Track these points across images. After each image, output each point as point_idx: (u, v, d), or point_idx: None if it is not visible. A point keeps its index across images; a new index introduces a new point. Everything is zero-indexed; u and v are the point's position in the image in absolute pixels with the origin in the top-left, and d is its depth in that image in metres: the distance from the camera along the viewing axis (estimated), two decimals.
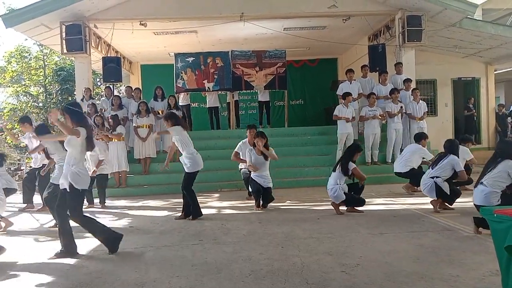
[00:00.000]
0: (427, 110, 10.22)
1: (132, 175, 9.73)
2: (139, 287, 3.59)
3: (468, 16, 10.81)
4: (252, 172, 6.97)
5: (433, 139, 10.07)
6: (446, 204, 6.27)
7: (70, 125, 4.48)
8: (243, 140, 7.87)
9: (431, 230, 5.18)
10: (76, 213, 4.49)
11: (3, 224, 6.07)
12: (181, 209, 6.46)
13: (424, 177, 6.40)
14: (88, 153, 6.99)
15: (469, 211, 5.84)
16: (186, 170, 6.25)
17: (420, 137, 8.05)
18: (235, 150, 7.84)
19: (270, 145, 7.08)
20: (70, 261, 4.39)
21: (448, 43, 12.23)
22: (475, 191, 5.21)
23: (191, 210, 6.30)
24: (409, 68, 10.89)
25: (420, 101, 10.01)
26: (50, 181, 5.88)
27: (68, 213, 4.51)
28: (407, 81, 10.32)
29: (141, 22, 10.56)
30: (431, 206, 6.27)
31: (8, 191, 6.44)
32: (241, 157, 7.67)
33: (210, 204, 7.67)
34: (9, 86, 19.24)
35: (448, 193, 6.13)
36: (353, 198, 6.37)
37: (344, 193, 6.28)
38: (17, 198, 8.22)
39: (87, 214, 4.84)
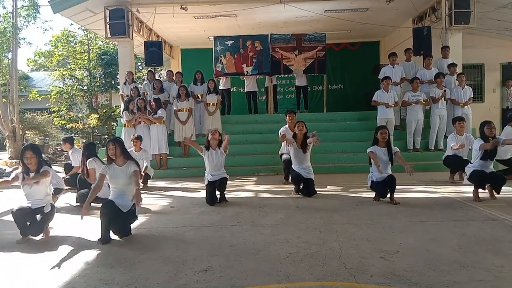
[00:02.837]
0: (472, 96, 9.82)
1: (172, 157, 9.96)
2: (180, 264, 3.71)
3: None
4: (293, 164, 6.91)
5: (478, 126, 9.64)
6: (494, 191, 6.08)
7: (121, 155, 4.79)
8: (285, 126, 7.85)
9: (475, 219, 5.03)
10: None
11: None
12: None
13: None
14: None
15: None
16: None
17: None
18: (281, 133, 7.65)
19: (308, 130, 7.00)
20: (116, 238, 4.58)
21: (498, 26, 11.64)
22: None
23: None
24: (456, 52, 10.47)
25: (466, 86, 9.62)
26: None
27: None
28: (452, 65, 9.93)
29: (182, 6, 10.66)
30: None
31: (57, 191, 6.45)
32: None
33: (247, 188, 7.75)
34: (55, 70, 19.99)
35: None
36: None
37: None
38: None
39: None
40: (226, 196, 6.51)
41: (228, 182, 6.66)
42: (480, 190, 6.09)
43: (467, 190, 6.40)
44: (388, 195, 6.04)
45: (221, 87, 11.72)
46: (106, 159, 4.94)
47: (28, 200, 4.80)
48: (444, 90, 9.43)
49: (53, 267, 3.82)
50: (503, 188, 6.04)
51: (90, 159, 6.51)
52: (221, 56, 11.74)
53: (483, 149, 6.06)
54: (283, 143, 7.94)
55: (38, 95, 19.29)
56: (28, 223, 4.63)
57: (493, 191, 6.10)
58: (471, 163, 6.37)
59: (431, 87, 9.68)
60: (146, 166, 8.02)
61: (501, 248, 3.93)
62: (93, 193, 4.76)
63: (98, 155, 6.85)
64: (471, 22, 10.20)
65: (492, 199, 6.07)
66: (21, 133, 15.35)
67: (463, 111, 9.43)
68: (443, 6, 10.49)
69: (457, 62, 10.20)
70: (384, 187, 6.05)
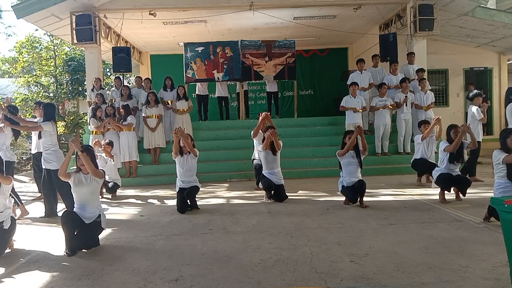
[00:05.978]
0: (434, 100, 10.08)
1: (142, 164, 9.79)
2: (150, 274, 3.64)
3: (481, 5, 10.64)
4: (263, 169, 6.94)
5: (444, 129, 9.93)
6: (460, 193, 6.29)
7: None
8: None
9: (441, 220, 5.16)
10: None
11: (18, 212, 6.15)
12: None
13: None
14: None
15: (479, 203, 5.83)
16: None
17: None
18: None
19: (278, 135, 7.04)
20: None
21: (460, 33, 12.05)
22: None
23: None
24: (421, 57, 10.77)
25: (428, 91, 9.88)
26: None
27: None
28: (420, 71, 10.21)
29: (151, 12, 10.55)
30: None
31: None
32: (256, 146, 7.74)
33: (219, 194, 7.71)
34: (20, 77, 19.38)
35: None
36: None
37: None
38: (30, 187, 8.32)
39: None
40: (198, 203, 6.44)
41: (200, 189, 6.61)
42: (446, 192, 6.27)
43: (434, 192, 6.57)
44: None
45: (199, 93, 11.70)
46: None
47: None
48: (406, 96, 9.66)
49: (18, 280, 3.68)
50: (468, 190, 6.24)
51: (47, 121, 6.39)
52: (191, 63, 11.67)
53: (449, 151, 6.22)
54: (255, 149, 7.95)
55: (2, 103, 18.60)
56: None
57: (459, 193, 6.29)
58: (438, 166, 6.54)
59: (397, 92, 9.92)
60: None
61: (466, 249, 4.05)
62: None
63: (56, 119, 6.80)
64: (434, 29, 10.52)
65: (457, 200, 6.26)
66: None
67: (426, 115, 9.67)
68: (408, 14, 10.78)
69: (423, 68, 10.47)
70: (354, 191, 6.15)
